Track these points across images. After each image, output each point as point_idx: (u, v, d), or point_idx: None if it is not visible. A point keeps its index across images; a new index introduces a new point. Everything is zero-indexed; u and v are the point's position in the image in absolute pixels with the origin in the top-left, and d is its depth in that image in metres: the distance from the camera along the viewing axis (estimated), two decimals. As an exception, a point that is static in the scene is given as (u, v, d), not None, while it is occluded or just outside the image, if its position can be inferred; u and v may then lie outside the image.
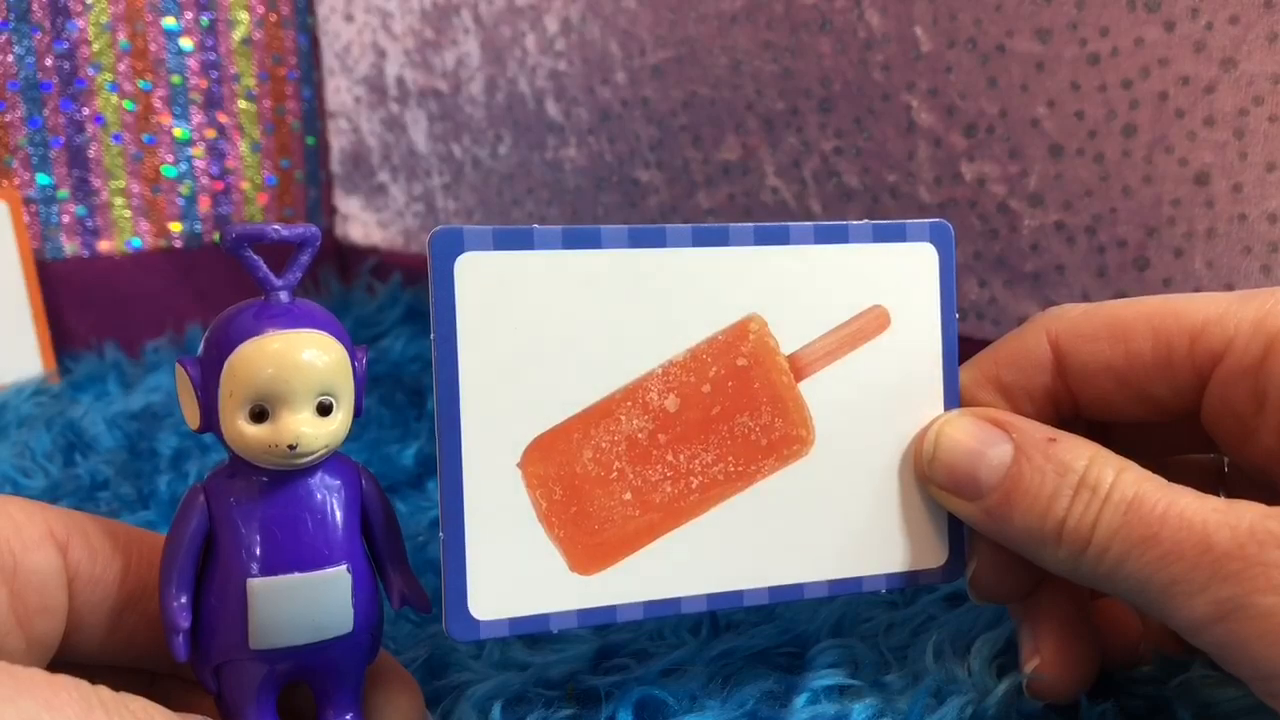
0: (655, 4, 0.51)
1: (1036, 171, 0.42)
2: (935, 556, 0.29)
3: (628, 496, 0.27)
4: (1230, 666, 0.23)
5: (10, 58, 0.54)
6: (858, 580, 0.28)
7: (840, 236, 0.28)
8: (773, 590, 0.28)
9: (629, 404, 0.27)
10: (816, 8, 0.46)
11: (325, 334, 0.23)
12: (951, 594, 0.33)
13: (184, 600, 0.23)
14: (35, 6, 0.55)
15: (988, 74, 0.43)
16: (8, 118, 0.55)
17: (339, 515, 0.23)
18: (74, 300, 0.57)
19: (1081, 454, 0.25)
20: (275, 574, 0.23)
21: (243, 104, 0.62)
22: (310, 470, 0.23)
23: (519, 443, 0.26)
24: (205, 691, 0.26)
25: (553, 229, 0.26)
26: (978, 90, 0.43)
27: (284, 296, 0.23)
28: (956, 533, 0.29)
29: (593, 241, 0.27)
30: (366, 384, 0.25)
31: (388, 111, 0.64)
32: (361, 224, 0.67)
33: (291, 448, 0.22)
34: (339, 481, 0.24)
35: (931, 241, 0.29)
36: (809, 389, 0.28)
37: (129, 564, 0.24)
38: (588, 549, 0.27)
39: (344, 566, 0.23)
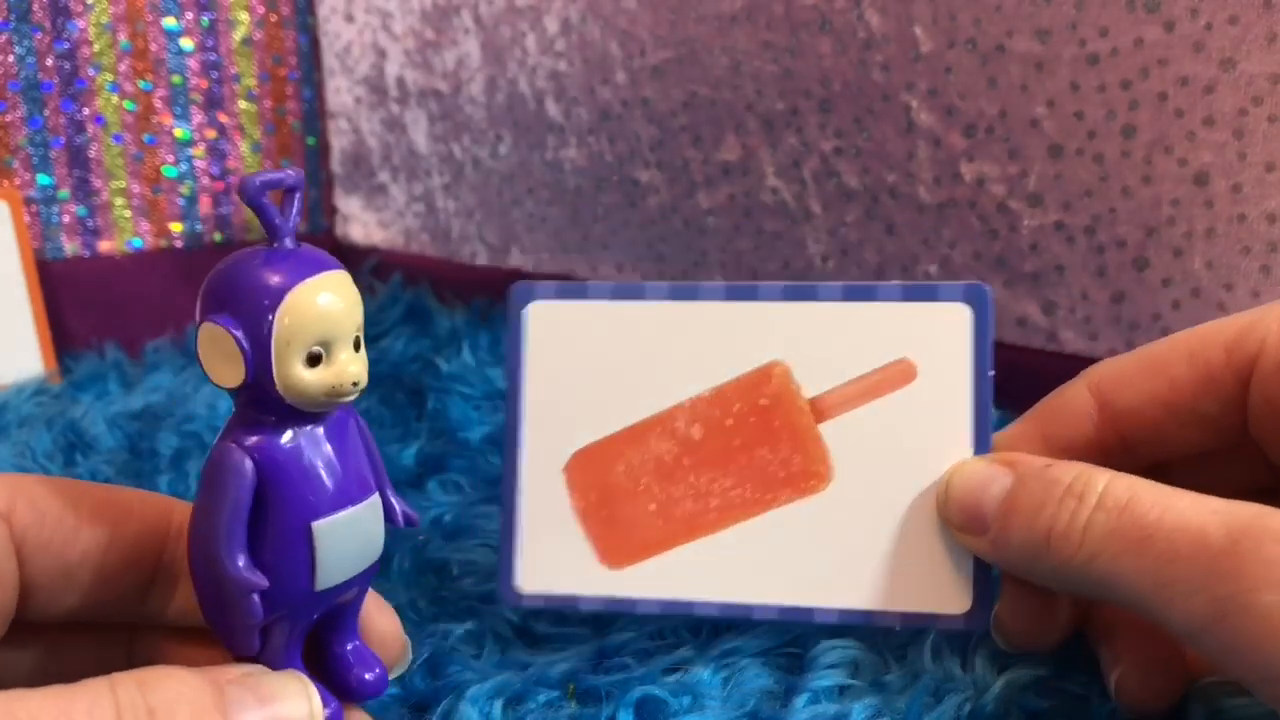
0: (655, 4, 0.51)
1: (1036, 172, 0.42)
2: (958, 603, 0.29)
3: (652, 508, 0.31)
4: (1232, 670, 0.23)
5: (11, 58, 0.54)
6: (868, 613, 0.30)
7: (868, 295, 0.30)
8: (782, 609, 0.30)
9: (659, 429, 0.31)
10: (816, 8, 0.46)
11: (345, 272, 0.23)
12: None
13: (246, 560, 0.22)
14: (36, 7, 0.55)
15: (987, 74, 0.43)
16: (8, 118, 0.55)
17: (360, 447, 0.24)
18: (74, 300, 0.57)
19: (1070, 470, 0.26)
20: (334, 513, 0.23)
21: (243, 104, 0.62)
22: (328, 410, 0.24)
23: (566, 452, 0.31)
24: (189, 643, 0.26)
25: (604, 284, 0.32)
26: (977, 90, 0.43)
27: (290, 243, 0.23)
28: (984, 583, 0.29)
29: (637, 295, 0.32)
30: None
31: (388, 112, 0.64)
32: (362, 224, 0.67)
33: (355, 385, 0.23)
34: (347, 416, 0.24)
35: (966, 302, 0.30)
36: (833, 430, 0.30)
37: (80, 522, 0.24)
38: (616, 547, 0.31)
39: (376, 494, 0.24)
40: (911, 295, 0.30)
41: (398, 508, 0.25)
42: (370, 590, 0.26)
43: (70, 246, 0.58)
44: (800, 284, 0.31)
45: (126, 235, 0.59)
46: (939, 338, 0.30)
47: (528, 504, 0.31)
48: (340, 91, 0.65)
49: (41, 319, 0.54)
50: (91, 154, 0.58)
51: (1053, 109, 0.41)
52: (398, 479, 0.44)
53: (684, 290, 0.31)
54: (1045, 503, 0.26)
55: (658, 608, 0.30)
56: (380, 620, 0.26)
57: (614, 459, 0.31)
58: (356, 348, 0.23)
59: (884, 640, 0.31)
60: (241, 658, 0.23)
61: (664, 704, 0.28)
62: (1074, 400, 0.29)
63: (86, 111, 0.57)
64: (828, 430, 0.30)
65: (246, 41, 0.62)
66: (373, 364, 0.55)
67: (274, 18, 0.63)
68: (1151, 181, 0.40)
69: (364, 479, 0.24)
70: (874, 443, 0.30)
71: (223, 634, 0.24)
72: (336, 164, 0.67)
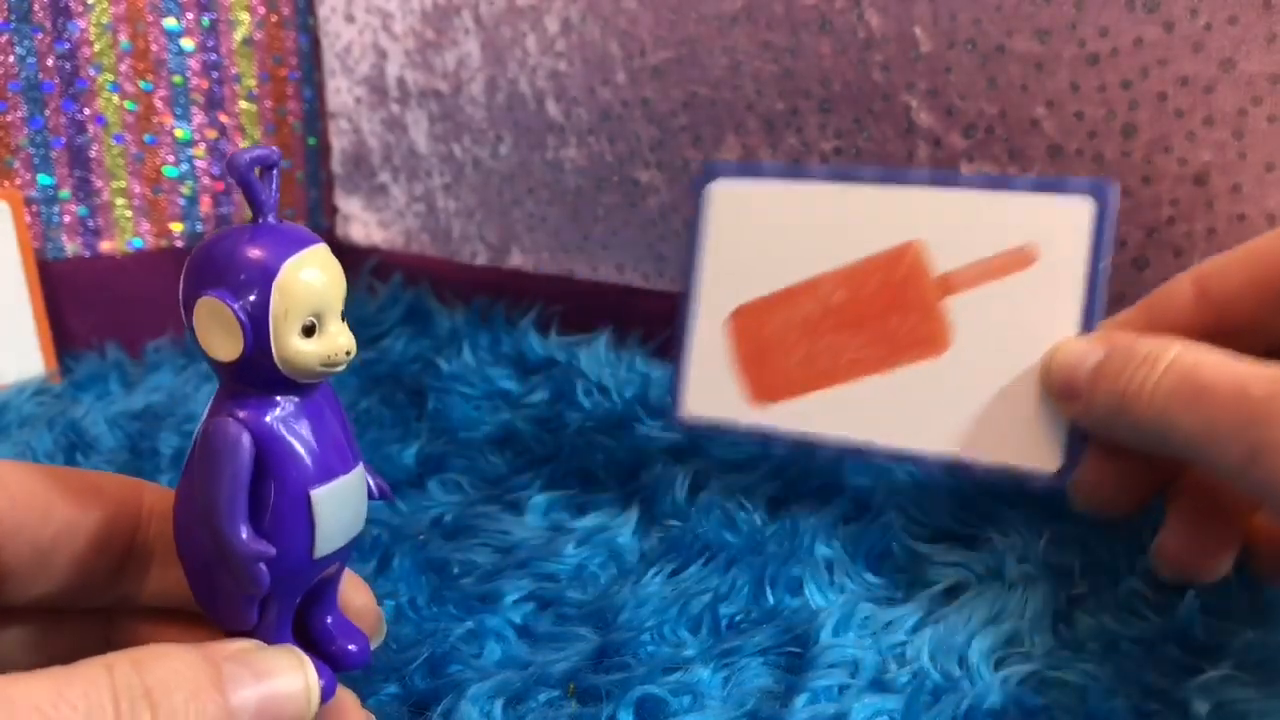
0: (655, 4, 0.51)
1: (1036, 172, 0.43)
2: (1050, 462, 0.33)
3: (796, 358, 0.37)
4: (1272, 509, 0.26)
5: (11, 58, 0.54)
6: (970, 464, 0.34)
7: (1002, 185, 0.34)
8: (895, 452, 0.35)
9: (809, 293, 0.37)
10: (816, 8, 0.46)
11: (327, 245, 0.24)
12: (949, 589, 0.33)
13: (249, 531, 0.23)
14: (36, 7, 0.55)
15: (987, 74, 0.43)
16: (9, 118, 0.55)
17: (341, 418, 0.25)
18: (75, 300, 0.57)
19: (1150, 341, 0.29)
20: (328, 481, 0.23)
21: (244, 104, 0.62)
22: (318, 381, 0.24)
23: (730, 305, 0.38)
24: (166, 624, 0.26)
25: (777, 164, 0.38)
26: (977, 90, 0.43)
27: (273, 218, 0.23)
28: (1074, 449, 0.32)
29: (804, 175, 0.37)
30: None
31: (388, 112, 0.64)
32: (362, 224, 0.67)
33: (348, 354, 0.23)
34: (327, 389, 0.25)
35: (1091, 194, 0.33)
36: (958, 304, 0.34)
37: (51, 505, 0.24)
38: (763, 388, 0.37)
39: (361, 464, 0.25)
40: (1041, 187, 0.34)
41: (372, 481, 0.26)
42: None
43: (71, 246, 0.58)
44: (944, 171, 0.35)
45: (127, 235, 0.60)
46: (1062, 227, 0.33)
47: (696, 347, 0.38)
48: (341, 92, 0.65)
49: (42, 319, 0.54)
50: (92, 154, 0.58)
51: (1052, 109, 0.42)
52: (398, 478, 0.44)
53: (842, 173, 0.37)
54: (1125, 368, 0.29)
55: (789, 445, 0.36)
56: (357, 595, 0.27)
57: (769, 315, 0.37)
58: (342, 320, 0.24)
59: (882, 638, 0.31)
60: (234, 633, 0.23)
61: (664, 703, 0.28)
62: (1176, 290, 0.32)
63: (87, 112, 0.57)
64: (953, 303, 0.34)
65: (247, 42, 0.62)
66: (373, 364, 0.56)
67: (274, 18, 0.63)
68: (1151, 181, 0.40)
69: (347, 449, 0.24)
70: (992, 318, 0.34)
71: (218, 610, 0.24)
72: (337, 164, 0.67)
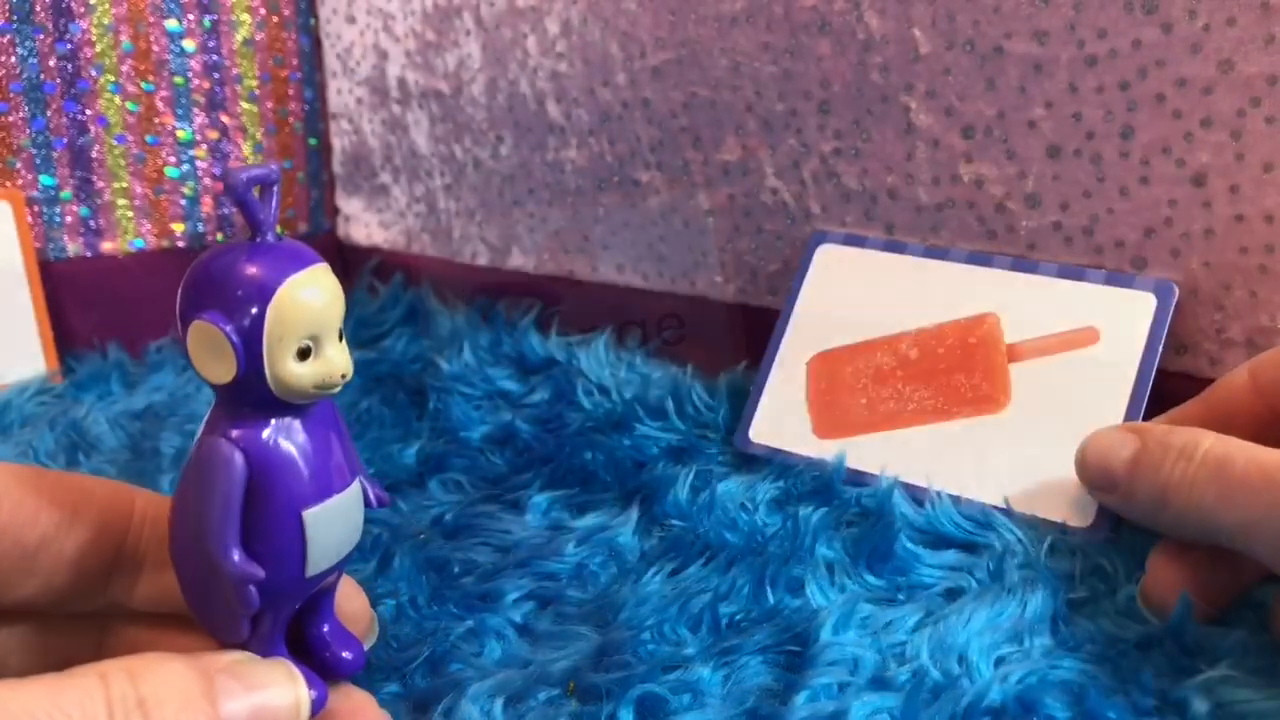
0: (655, 6, 0.51)
1: (1034, 173, 0.43)
2: (1083, 520, 0.35)
3: (863, 401, 0.40)
4: None
5: (13, 59, 0.55)
6: (1011, 511, 0.36)
7: (1077, 276, 0.38)
8: (942, 493, 0.36)
9: (886, 347, 0.41)
10: (816, 9, 0.46)
11: (327, 265, 0.23)
12: (948, 590, 0.33)
13: (241, 553, 0.22)
14: (38, 8, 0.55)
15: (986, 75, 0.43)
16: (11, 119, 0.55)
17: (338, 435, 0.25)
18: (77, 300, 0.57)
19: (1182, 434, 0.31)
20: (322, 500, 0.23)
21: (245, 105, 0.62)
22: (314, 401, 0.24)
23: (813, 349, 0.42)
24: (158, 629, 0.26)
25: (879, 239, 0.43)
26: (976, 92, 0.43)
27: (272, 237, 0.23)
28: (1105, 509, 0.34)
29: (899, 249, 0.42)
30: None
31: (389, 113, 0.64)
32: (363, 224, 0.67)
33: (344, 377, 0.23)
34: (324, 405, 0.24)
35: (1155, 293, 0.37)
36: (1020, 371, 0.38)
37: (39, 506, 0.24)
38: (829, 424, 0.41)
39: (358, 480, 0.24)
40: (1111, 280, 0.37)
41: (370, 491, 0.26)
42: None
43: (73, 247, 0.58)
44: (1025, 259, 0.39)
45: (129, 235, 0.60)
46: (1125, 317, 0.36)
47: (774, 380, 0.42)
48: (342, 92, 0.66)
49: (44, 319, 0.54)
50: (94, 155, 0.58)
51: (1051, 110, 0.42)
52: (399, 478, 0.44)
53: (936, 252, 0.41)
54: (1162, 462, 0.30)
55: (845, 474, 0.39)
56: (349, 598, 0.27)
57: (846, 362, 0.41)
58: (340, 339, 0.23)
59: (883, 637, 0.31)
60: (227, 645, 0.24)
61: (664, 701, 0.28)
62: (1235, 380, 0.33)
63: (89, 112, 0.57)
64: (1016, 370, 0.38)
65: (248, 43, 0.62)
66: (374, 364, 0.56)
67: (275, 19, 0.63)
68: (1149, 182, 0.40)
69: (344, 466, 0.24)
70: (1049, 387, 0.37)
71: (211, 622, 0.24)
72: (338, 165, 0.67)
